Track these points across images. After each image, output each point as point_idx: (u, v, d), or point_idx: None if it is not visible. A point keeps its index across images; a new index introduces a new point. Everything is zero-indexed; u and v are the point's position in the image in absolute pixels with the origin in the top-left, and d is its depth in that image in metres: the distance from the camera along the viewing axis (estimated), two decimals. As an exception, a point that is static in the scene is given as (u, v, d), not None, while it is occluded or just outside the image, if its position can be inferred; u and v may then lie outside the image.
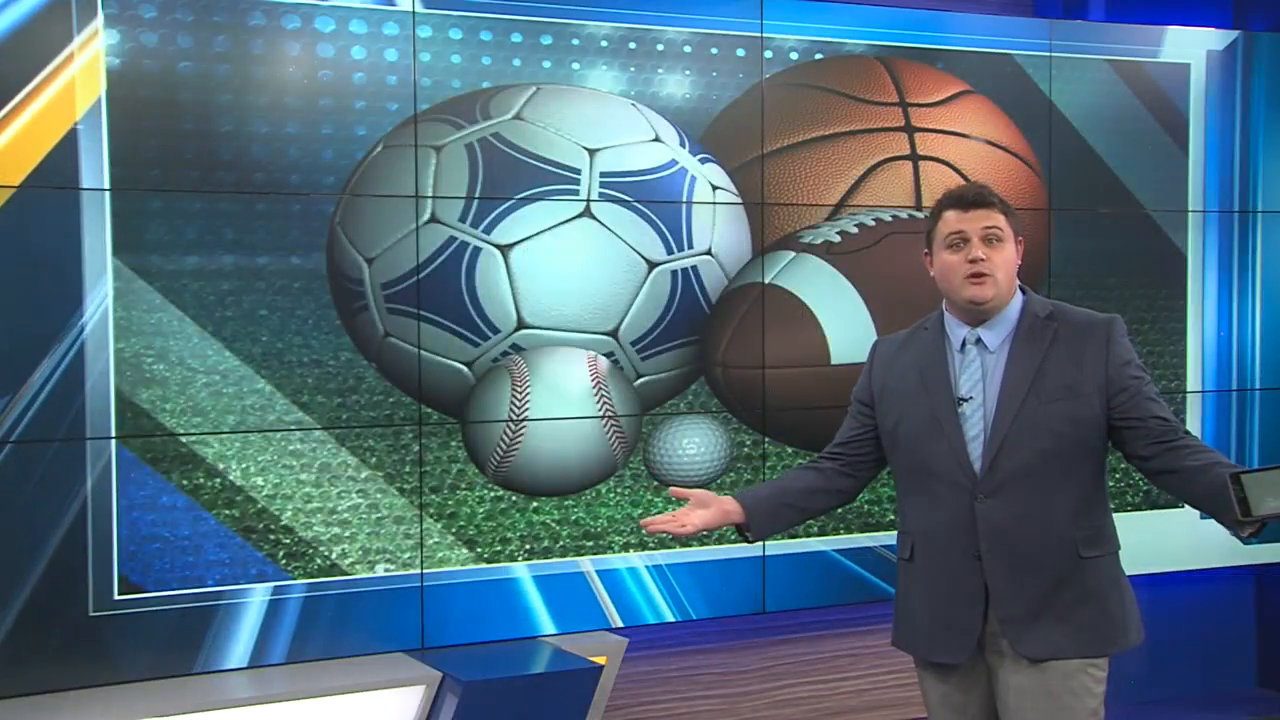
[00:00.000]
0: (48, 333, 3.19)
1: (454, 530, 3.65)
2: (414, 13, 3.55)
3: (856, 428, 2.73)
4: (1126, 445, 2.53)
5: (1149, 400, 2.51)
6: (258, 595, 3.43)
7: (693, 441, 3.91)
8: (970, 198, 2.55)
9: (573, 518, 3.79)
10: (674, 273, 3.86)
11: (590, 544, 3.80)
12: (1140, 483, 4.47)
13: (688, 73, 3.89)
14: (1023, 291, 2.60)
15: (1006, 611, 2.49)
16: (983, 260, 2.51)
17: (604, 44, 3.79)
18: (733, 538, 3.96)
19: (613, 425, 3.79)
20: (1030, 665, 2.49)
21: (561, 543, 3.77)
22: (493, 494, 3.69)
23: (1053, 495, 2.48)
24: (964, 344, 2.57)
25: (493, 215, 3.64)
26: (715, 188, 3.92)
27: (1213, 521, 4.65)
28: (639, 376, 3.85)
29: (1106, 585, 2.53)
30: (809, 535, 4.06)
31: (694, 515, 2.71)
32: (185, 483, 3.36)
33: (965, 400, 2.54)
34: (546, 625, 3.75)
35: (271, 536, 3.45)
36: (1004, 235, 2.53)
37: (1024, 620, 2.48)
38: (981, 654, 2.56)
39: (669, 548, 3.89)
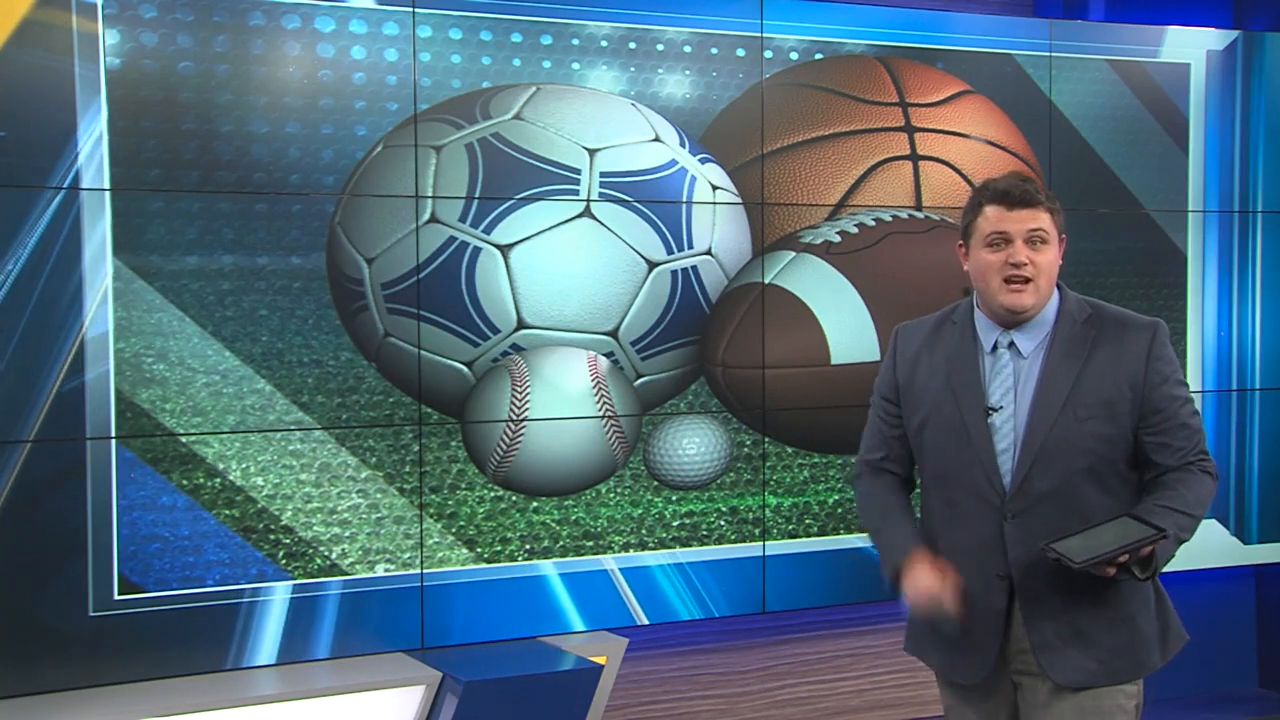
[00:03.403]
0: (47, 333, 3.19)
1: (454, 530, 3.65)
2: (414, 12, 3.55)
3: (886, 432, 2.58)
4: (1141, 460, 2.44)
5: (1178, 428, 2.39)
6: (258, 595, 3.43)
7: (693, 441, 3.91)
8: (1017, 195, 2.38)
9: (573, 518, 3.79)
10: (674, 273, 3.86)
11: (590, 544, 3.80)
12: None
13: (688, 73, 3.89)
14: (1060, 290, 2.46)
15: (1040, 637, 2.39)
16: (1025, 265, 2.36)
17: (604, 44, 3.79)
18: (733, 537, 3.98)
19: (613, 425, 3.79)
20: (1060, 689, 2.40)
21: (561, 543, 3.77)
22: (493, 494, 3.69)
23: (1085, 515, 2.36)
24: (995, 347, 2.44)
25: (493, 215, 3.64)
26: (715, 188, 3.92)
27: (1213, 521, 4.68)
28: (639, 376, 3.85)
29: (1138, 606, 2.43)
30: (809, 535, 4.07)
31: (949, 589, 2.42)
32: (185, 483, 3.36)
33: (995, 410, 2.41)
34: (548, 623, 3.75)
35: (271, 536, 3.45)
36: (1049, 237, 2.38)
37: (1056, 646, 2.38)
38: (1005, 672, 2.46)
39: (668, 548, 3.89)
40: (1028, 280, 2.37)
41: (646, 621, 3.88)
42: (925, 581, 2.38)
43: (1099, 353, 2.40)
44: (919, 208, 4.17)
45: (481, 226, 3.63)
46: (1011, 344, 2.44)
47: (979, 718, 2.52)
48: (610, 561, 3.83)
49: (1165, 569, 2.42)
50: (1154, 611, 2.47)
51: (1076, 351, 2.41)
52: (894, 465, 2.59)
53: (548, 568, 3.76)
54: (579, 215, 3.74)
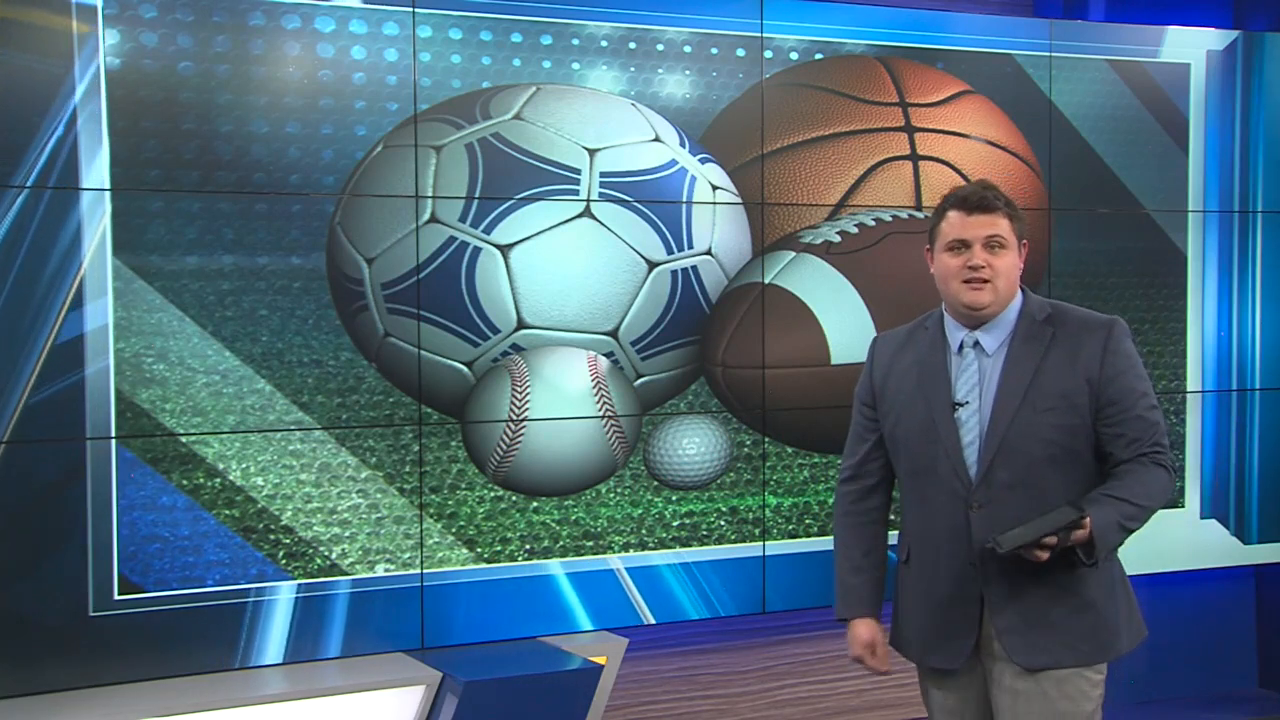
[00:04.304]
0: (47, 333, 3.19)
1: (454, 530, 3.65)
2: (414, 12, 3.55)
3: (866, 440, 2.70)
4: (1100, 452, 2.53)
5: (1133, 419, 2.48)
6: (258, 596, 3.43)
7: (693, 441, 3.91)
8: (975, 201, 2.50)
9: (573, 518, 3.79)
10: (674, 273, 3.86)
11: (590, 544, 3.80)
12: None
13: (688, 73, 3.89)
14: (1023, 292, 2.57)
15: (1003, 621, 2.49)
16: (983, 267, 2.48)
17: (604, 44, 3.79)
18: (733, 537, 3.98)
19: (613, 425, 3.79)
20: (1028, 674, 2.49)
21: (561, 543, 3.77)
22: (493, 494, 3.69)
23: (1048, 504, 2.45)
24: (962, 346, 2.55)
25: (493, 215, 3.64)
26: (715, 188, 3.92)
27: (1213, 521, 4.70)
28: (639, 376, 3.85)
29: (1102, 593, 2.51)
30: (809, 535, 4.07)
31: (880, 656, 2.68)
32: (185, 483, 3.36)
33: (961, 405, 2.52)
34: (549, 623, 3.75)
35: (271, 536, 3.45)
36: (1007, 242, 2.49)
37: (1020, 630, 2.48)
38: (978, 658, 2.56)
39: (668, 548, 3.89)
40: (986, 281, 2.48)
41: (653, 620, 3.88)
42: (857, 644, 2.66)
43: (1056, 348, 2.51)
44: (919, 208, 4.17)
45: (481, 226, 3.63)
46: (976, 343, 2.55)
47: (953, 702, 2.62)
48: (616, 561, 3.83)
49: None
50: (1119, 599, 2.55)
51: (1035, 347, 2.51)
52: (873, 472, 2.71)
53: (551, 567, 3.76)
54: (579, 215, 3.74)
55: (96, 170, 3.24)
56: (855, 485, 2.71)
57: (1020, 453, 2.46)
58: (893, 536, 2.74)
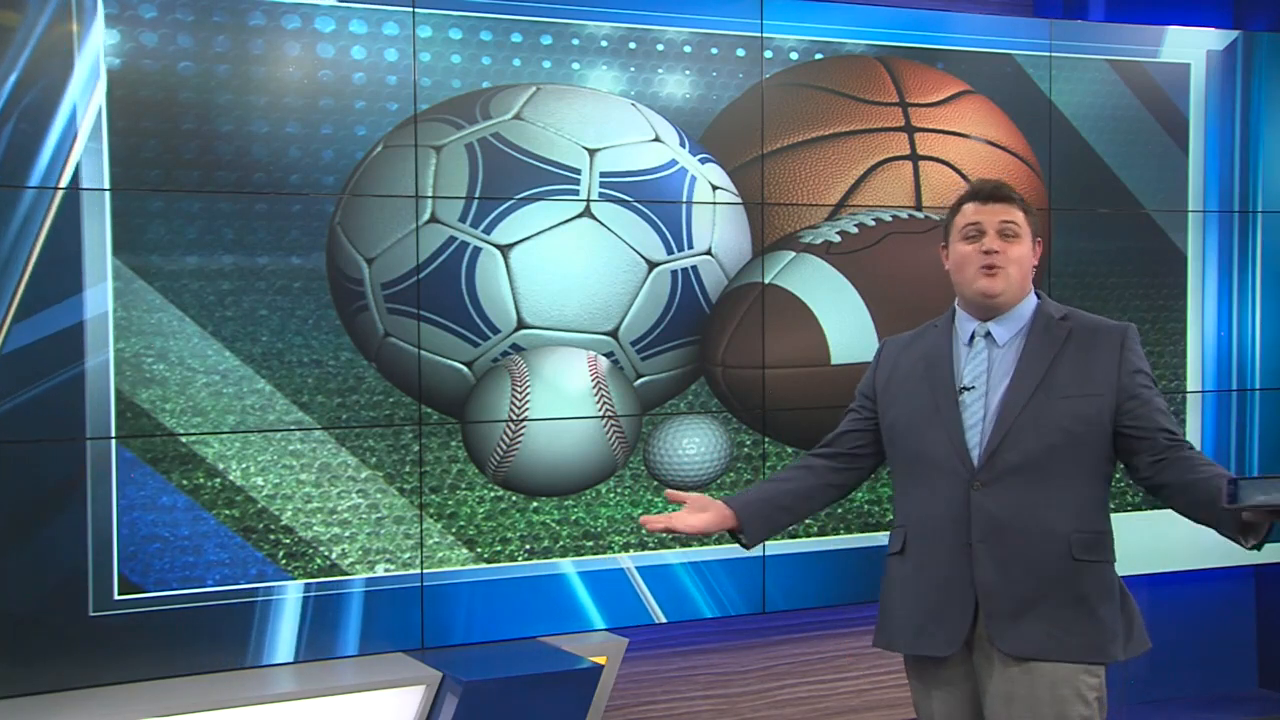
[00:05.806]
0: (47, 333, 3.19)
1: (454, 530, 3.65)
2: (414, 12, 3.55)
3: (855, 421, 2.75)
4: (1131, 456, 2.53)
5: (1158, 412, 2.52)
6: (258, 595, 3.43)
7: (693, 441, 3.91)
8: (989, 191, 2.58)
9: (573, 518, 3.78)
10: (674, 273, 3.86)
11: (590, 544, 3.80)
12: (1140, 483, 4.47)
13: (688, 73, 3.89)
14: (1037, 295, 2.62)
15: (993, 606, 2.49)
16: (997, 253, 2.53)
17: (604, 44, 3.79)
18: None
19: (613, 425, 3.79)
20: (1017, 669, 2.47)
21: (561, 543, 3.77)
22: (493, 494, 3.69)
23: (1052, 492, 2.48)
24: (973, 337, 2.59)
25: (493, 215, 3.64)
26: (715, 188, 3.92)
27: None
28: (639, 376, 3.85)
29: (1099, 592, 2.51)
30: (809, 535, 4.07)
31: (692, 518, 2.70)
32: (185, 483, 3.36)
33: (967, 389, 2.55)
34: (549, 623, 3.75)
35: (271, 536, 3.45)
36: (1020, 231, 2.55)
37: (1009, 616, 2.48)
38: (969, 656, 2.55)
39: (668, 547, 3.89)
40: (1000, 268, 2.54)
41: (664, 619, 3.88)
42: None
43: (1073, 345, 2.56)
44: (919, 208, 4.17)
45: (481, 226, 3.63)
46: (988, 334, 2.59)
47: (942, 699, 2.60)
48: (626, 560, 3.83)
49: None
50: (1118, 604, 2.55)
51: (1053, 340, 2.56)
52: (834, 449, 2.75)
53: (562, 566, 3.76)
54: (579, 215, 3.74)
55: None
56: (824, 449, 2.77)
57: (1031, 437, 2.49)
58: (888, 536, 2.73)
